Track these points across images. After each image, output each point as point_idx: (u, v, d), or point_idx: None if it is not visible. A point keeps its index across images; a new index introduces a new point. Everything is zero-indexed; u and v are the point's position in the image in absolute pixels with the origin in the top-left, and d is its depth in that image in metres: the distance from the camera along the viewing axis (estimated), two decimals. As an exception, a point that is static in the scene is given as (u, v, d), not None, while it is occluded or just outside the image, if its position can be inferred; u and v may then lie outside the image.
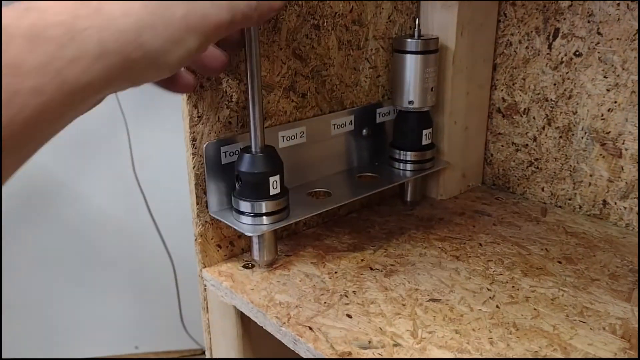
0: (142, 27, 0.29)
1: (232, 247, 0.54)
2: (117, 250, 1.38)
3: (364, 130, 0.62)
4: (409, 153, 0.60)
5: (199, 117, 0.48)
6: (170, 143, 1.17)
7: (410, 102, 0.59)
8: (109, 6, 0.28)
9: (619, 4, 0.55)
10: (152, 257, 1.36)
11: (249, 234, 0.49)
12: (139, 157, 1.30)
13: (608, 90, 0.57)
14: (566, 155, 0.62)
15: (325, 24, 0.55)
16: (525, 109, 0.65)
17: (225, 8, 0.34)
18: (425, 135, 0.61)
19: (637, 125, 0.56)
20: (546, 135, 0.63)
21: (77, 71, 0.27)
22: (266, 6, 0.37)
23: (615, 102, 0.57)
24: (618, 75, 0.56)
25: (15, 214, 1.26)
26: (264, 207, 0.49)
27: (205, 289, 0.54)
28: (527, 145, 0.66)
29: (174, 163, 1.19)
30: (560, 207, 0.64)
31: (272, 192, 0.48)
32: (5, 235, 1.26)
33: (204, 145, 0.49)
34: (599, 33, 0.57)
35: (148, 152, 1.30)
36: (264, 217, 0.49)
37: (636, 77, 0.55)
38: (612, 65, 0.57)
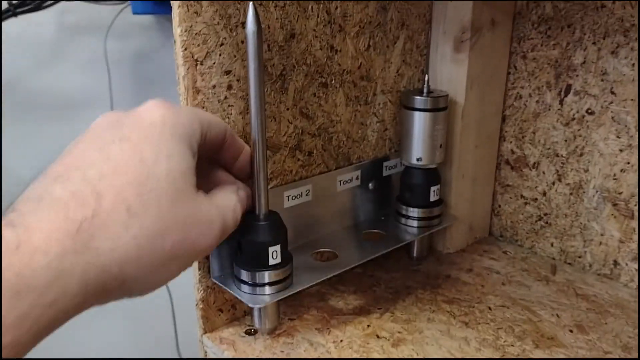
0: (126, 261, 0.29)
1: (234, 311, 0.53)
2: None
3: (370, 184, 0.60)
4: (416, 210, 0.59)
5: (202, 182, 0.47)
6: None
7: (419, 159, 0.58)
8: (98, 242, 0.28)
9: (633, 64, 0.54)
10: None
11: (251, 305, 0.47)
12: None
13: (621, 150, 0.56)
14: (577, 212, 0.61)
15: (333, 82, 0.53)
16: (535, 162, 0.63)
17: (217, 227, 0.36)
18: (433, 191, 0.59)
19: (650, 187, 0.55)
20: (556, 190, 0.62)
21: (53, 313, 0.27)
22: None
23: (629, 163, 0.56)
24: (632, 137, 0.55)
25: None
26: (265, 277, 0.47)
27: (205, 354, 0.52)
28: (536, 199, 0.64)
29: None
30: (569, 264, 0.63)
31: (272, 262, 0.47)
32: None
33: (207, 211, 0.47)
34: (612, 92, 0.56)
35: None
36: (266, 287, 0.47)
37: (651, 140, 0.54)
38: (626, 126, 0.55)
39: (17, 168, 0.98)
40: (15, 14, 0.96)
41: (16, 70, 1.03)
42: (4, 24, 0.96)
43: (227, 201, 0.39)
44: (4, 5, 0.94)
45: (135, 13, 0.98)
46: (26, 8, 0.97)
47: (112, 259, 0.28)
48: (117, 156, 0.31)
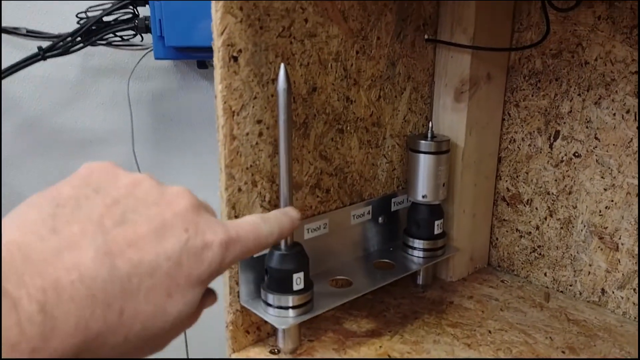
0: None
1: (259, 332, 0.59)
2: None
3: (380, 218, 0.67)
4: (422, 242, 0.65)
5: (235, 216, 0.53)
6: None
7: (424, 197, 0.64)
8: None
9: (614, 114, 0.61)
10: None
11: (277, 326, 0.53)
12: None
13: (605, 189, 0.63)
14: (567, 244, 0.67)
15: (348, 128, 0.60)
16: (528, 199, 0.70)
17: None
18: (437, 225, 0.65)
19: (632, 222, 0.61)
20: (548, 225, 0.69)
21: None
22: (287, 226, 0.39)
23: (612, 201, 0.62)
24: (614, 177, 0.62)
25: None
26: (290, 301, 0.53)
27: (233, 372, 0.58)
28: (530, 232, 0.71)
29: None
30: (562, 292, 0.69)
31: (296, 287, 0.53)
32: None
33: (239, 242, 0.54)
34: (596, 138, 0.63)
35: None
36: (290, 310, 0.53)
37: (631, 180, 0.61)
38: (609, 168, 0.62)
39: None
40: (44, 58, 1.03)
41: (40, 109, 1.11)
42: (30, 67, 1.02)
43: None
44: (33, 49, 1.02)
45: (157, 58, 1.06)
46: (55, 52, 1.04)
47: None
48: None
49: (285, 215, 0.40)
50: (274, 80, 0.52)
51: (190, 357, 1.37)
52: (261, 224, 0.35)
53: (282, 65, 0.48)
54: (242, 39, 0.49)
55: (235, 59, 0.49)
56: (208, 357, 1.28)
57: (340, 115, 0.59)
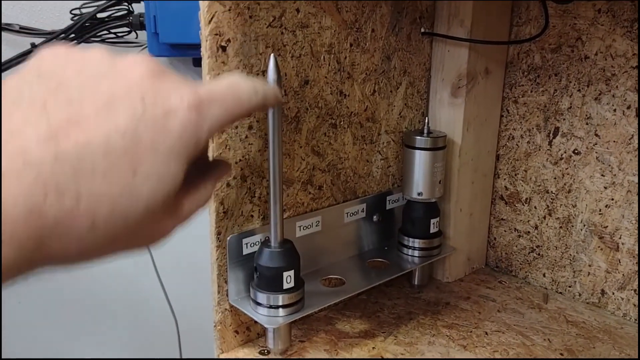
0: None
1: (249, 333, 0.57)
2: (121, 307, 1.39)
3: (375, 216, 0.65)
4: (417, 240, 0.64)
5: (224, 212, 0.52)
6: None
7: (420, 194, 0.62)
8: None
9: (615, 110, 0.59)
10: (156, 316, 1.37)
11: (267, 326, 0.52)
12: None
13: (605, 187, 0.61)
14: (566, 244, 0.66)
15: (342, 123, 0.59)
16: (527, 198, 0.68)
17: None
18: (433, 223, 0.64)
19: (632, 221, 0.60)
20: (547, 224, 0.67)
21: None
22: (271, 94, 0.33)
23: (612, 199, 0.61)
24: (615, 175, 0.60)
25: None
26: (280, 300, 0.51)
27: (221, 373, 0.56)
28: (528, 232, 0.69)
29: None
30: (560, 293, 0.67)
31: (286, 286, 0.51)
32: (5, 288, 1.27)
33: (228, 238, 0.52)
34: (596, 135, 0.61)
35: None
36: (280, 309, 0.52)
37: (632, 178, 0.59)
38: (609, 165, 0.61)
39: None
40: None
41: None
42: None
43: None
44: (27, 46, 1.00)
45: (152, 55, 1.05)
46: (49, 49, 1.03)
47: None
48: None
49: (268, 84, 0.37)
50: (265, 71, 0.50)
51: (183, 357, 1.35)
52: (240, 82, 0.31)
53: (271, 56, 0.46)
54: (231, 28, 0.47)
55: (224, 49, 0.48)
56: (199, 358, 1.26)
57: (334, 109, 0.58)
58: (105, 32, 1.04)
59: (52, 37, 1.01)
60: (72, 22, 1.01)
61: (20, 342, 1.35)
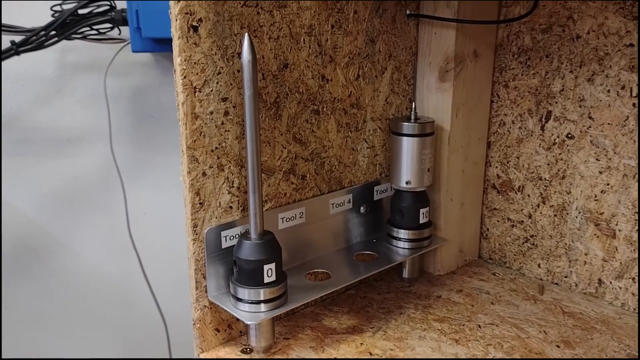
0: None
1: (230, 330, 0.54)
2: (109, 308, 1.36)
3: (362, 208, 0.63)
4: (406, 231, 0.61)
5: (200, 203, 0.49)
6: (166, 200, 1.17)
7: (408, 183, 0.60)
8: None
9: (609, 91, 0.57)
10: (144, 317, 1.34)
11: (248, 322, 0.49)
12: (134, 214, 1.30)
13: (600, 172, 0.59)
14: (561, 233, 0.63)
15: (324, 109, 0.56)
16: (519, 186, 0.66)
17: None
18: (423, 213, 0.61)
19: (629, 207, 0.57)
20: (541, 213, 0.64)
21: None
22: None
23: (608, 184, 0.58)
24: (610, 159, 0.58)
25: (9, 270, 1.24)
26: (261, 294, 0.49)
27: (202, 374, 0.53)
28: (522, 221, 0.66)
29: (169, 221, 1.19)
30: (556, 284, 0.65)
31: (267, 279, 0.49)
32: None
33: (205, 231, 0.50)
34: (590, 117, 0.59)
35: (144, 209, 1.30)
36: (262, 304, 0.49)
37: (627, 161, 0.57)
38: (604, 149, 0.58)
39: (16, 201, 0.99)
40: (17, 53, 0.99)
41: (17, 106, 1.07)
42: (6, 62, 0.99)
43: None
44: (6, 44, 0.98)
45: (134, 51, 1.02)
46: (28, 47, 1.00)
47: None
48: None
49: None
50: (240, 54, 0.48)
51: (172, 357, 1.32)
52: None
53: (245, 35, 0.44)
54: (203, 7, 0.45)
55: (195, 28, 0.45)
56: (188, 358, 1.23)
57: (316, 94, 0.55)
58: (87, 28, 1.01)
59: (32, 34, 0.98)
60: (53, 18, 0.98)
61: (10, 343, 1.32)
